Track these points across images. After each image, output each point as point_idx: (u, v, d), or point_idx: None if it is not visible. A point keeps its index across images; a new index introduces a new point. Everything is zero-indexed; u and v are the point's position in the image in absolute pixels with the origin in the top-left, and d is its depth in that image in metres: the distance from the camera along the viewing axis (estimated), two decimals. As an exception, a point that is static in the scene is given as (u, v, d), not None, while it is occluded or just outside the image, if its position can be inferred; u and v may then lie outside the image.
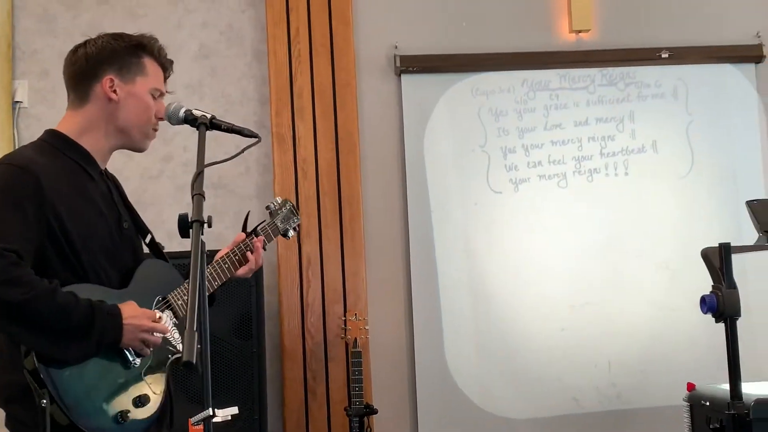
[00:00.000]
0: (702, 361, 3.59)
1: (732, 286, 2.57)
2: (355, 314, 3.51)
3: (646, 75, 3.87)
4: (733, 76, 3.89)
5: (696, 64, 3.87)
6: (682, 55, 3.85)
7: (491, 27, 3.86)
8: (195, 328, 1.52)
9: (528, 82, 3.87)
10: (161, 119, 2.05)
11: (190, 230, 1.62)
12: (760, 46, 3.89)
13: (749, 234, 2.98)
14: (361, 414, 3.38)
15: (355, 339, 3.47)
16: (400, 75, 3.80)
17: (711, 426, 2.64)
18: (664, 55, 3.85)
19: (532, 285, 3.78)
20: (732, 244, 2.63)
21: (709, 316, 2.59)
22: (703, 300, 2.59)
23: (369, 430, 3.43)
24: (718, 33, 3.88)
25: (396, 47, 3.80)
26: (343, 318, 3.54)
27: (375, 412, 3.43)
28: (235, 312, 3.29)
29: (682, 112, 3.88)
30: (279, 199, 2.45)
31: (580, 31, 3.86)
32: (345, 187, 3.71)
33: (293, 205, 2.47)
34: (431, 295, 3.73)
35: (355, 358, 3.40)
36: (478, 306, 3.75)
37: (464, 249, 3.77)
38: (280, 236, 2.42)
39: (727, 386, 2.61)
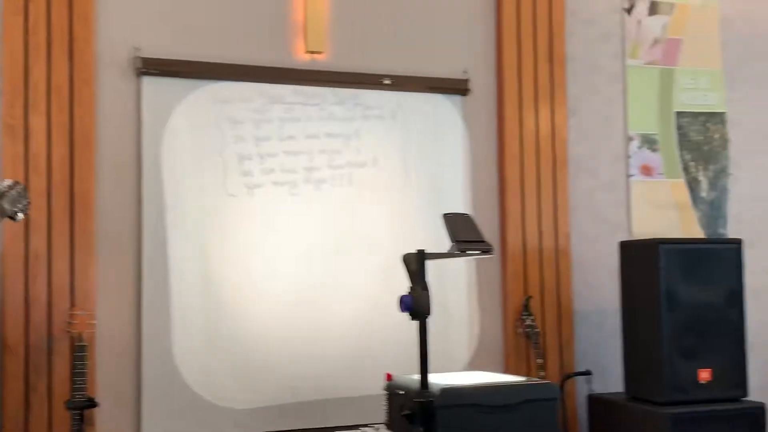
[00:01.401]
0: (406, 354, 3.68)
1: (425, 288, 2.64)
2: (82, 309, 3.27)
3: (371, 98, 3.95)
4: (444, 105, 4.07)
5: (413, 92, 4.00)
6: (402, 83, 3.97)
7: (234, 39, 3.78)
8: None
9: (265, 95, 3.82)
10: None
11: None
12: (466, 81, 4.10)
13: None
14: (82, 407, 3.14)
15: (81, 333, 3.22)
16: (140, 76, 3.61)
17: (402, 413, 2.70)
18: (386, 82, 3.95)
19: (260, 284, 3.73)
20: (429, 251, 2.70)
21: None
22: (401, 300, 2.65)
23: (88, 423, 3.20)
24: (433, 66, 4.05)
25: (138, 48, 3.60)
26: (70, 312, 3.29)
27: (95, 405, 3.20)
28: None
29: (401, 133, 3.99)
30: (9, 181, 2.19)
31: (314, 52, 3.87)
32: (78, 184, 3.46)
33: (24, 188, 2.22)
34: (162, 293, 3.57)
35: (78, 352, 3.17)
36: (209, 303, 3.64)
37: (198, 249, 3.65)
38: (8, 221, 2.16)
39: (419, 377, 2.68)
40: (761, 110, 4.56)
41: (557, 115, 4.21)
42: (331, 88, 3.90)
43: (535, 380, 3.11)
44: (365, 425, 3.36)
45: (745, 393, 3.76)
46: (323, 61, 3.90)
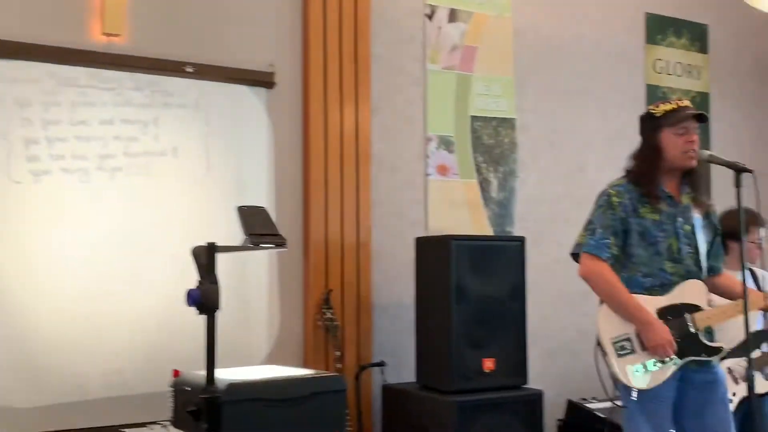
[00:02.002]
0: (202, 350, 3.50)
1: (214, 281, 2.50)
2: None
3: (172, 85, 3.73)
4: (248, 97, 3.92)
5: (216, 82, 3.82)
6: (205, 72, 3.79)
7: (23, 15, 3.43)
8: None
9: (56, 76, 3.51)
10: None
11: None
12: (271, 74, 3.97)
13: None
14: None
15: None
16: None
17: (188, 409, 2.54)
18: (189, 69, 3.74)
19: (48, 276, 3.42)
20: (219, 244, 2.56)
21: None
22: (188, 294, 2.49)
23: None
24: (238, 57, 3.89)
25: None
26: None
27: None
28: None
29: (202, 123, 3.80)
30: None
31: (111, 35, 3.59)
32: None
33: None
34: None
35: None
36: (-12, 296, 3.28)
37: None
38: None
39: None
40: (547, 117, 4.76)
41: (361, 113, 4.18)
42: (129, 73, 3.64)
43: (323, 373, 3.05)
44: (153, 423, 3.16)
45: (525, 381, 3.89)
46: (121, 44, 3.64)
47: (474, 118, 4.52)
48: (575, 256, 3.11)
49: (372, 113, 4.23)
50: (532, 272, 4.26)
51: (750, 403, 2.73)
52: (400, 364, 4.18)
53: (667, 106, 3.04)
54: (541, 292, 4.58)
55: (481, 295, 3.79)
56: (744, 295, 2.78)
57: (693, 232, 3.01)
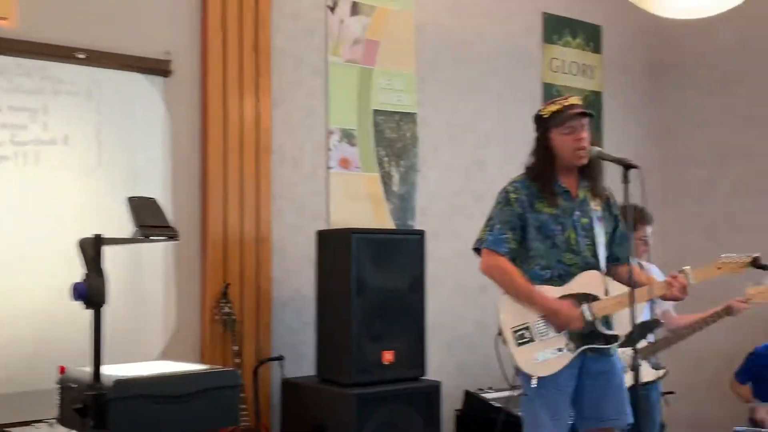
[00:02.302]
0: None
1: (101, 275, 2.41)
2: None
3: (62, 72, 3.58)
4: (143, 86, 3.80)
5: (110, 69, 3.69)
6: (97, 59, 3.65)
7: None
8: None
9: (-61, 60, 3.30)
10: None
11: None
12: (168, 62, 3.86)
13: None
14: None
15: None
16: None
17: (74, 407, 2.44)
18: (81, 56, 3.60)
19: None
20: (107, 236, 2.47)
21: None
22: (74, 287, 2.39)
23: None
24: (132, 44, 3.77)
25: None
26: None
27: None
28: None
29: (94, 112, 3.66)
30: None
31: (-3, 18, 3.42)
32: None
33: None
34: None
35: None
36: None
37: None
38: None
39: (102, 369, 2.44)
40: (447, 112, 4.81)
41: (262, 104, 4.12)
42: (17, 59, 3.47)
43: (217, 368, 2.99)
44: (39, 421, 3.03)
45: (423, 372, 3.91)
46: (9, 28, 3.46)
47: (376, 111, 4.52)
48: (477, 251, 3.17)
49: (273, 105, 4.17)
50: (431, 265, 4.30)
51: (635, 392, 2.81)
52: (301, 358, 4.14)
53: (553, 107, 3.12)
54: (441, 285, 4.63)
55: (382, 288, 3.79)
56: (631, 287, 2.86)
57: (591, 225, 3.09)
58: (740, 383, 4.70)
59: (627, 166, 2.90)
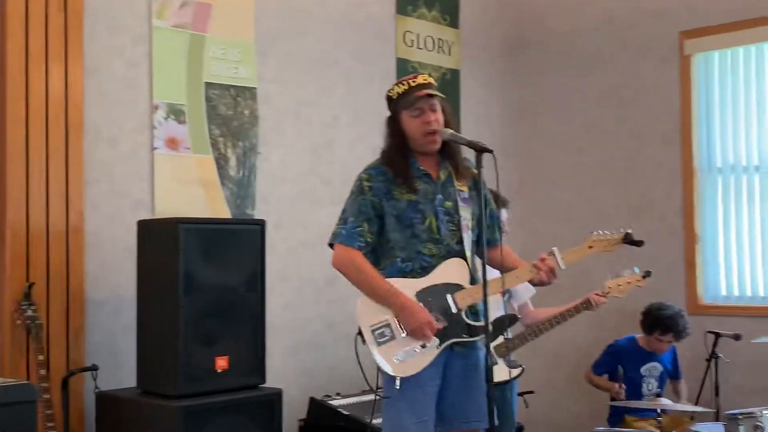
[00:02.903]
0: None
1: None
2: None
3: None
4: None
5: None
6: None
7: None
8: None
9: None
10: None
11: None
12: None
13: None
14: None
15: None
16: None
17: None
18: None
19: None
20: None
21: None
22: None
23: None
24: None
25: None
26: None
27: None
28: None
29: None
30: None
31: None
32: None
33: None
34: None
35: None
36: None
37: None
38: None
39: None
40: (291, 88, 4.69)
41: (72, 74, 3.85)
42: None
43: (8, 381, 2.75)
44: None
45: (263, 380, 3.83)
46: None
47: (209, 85, 4.34)
48: (332, 246, 3.14)
49: (86, 75, 3.92)
50: (273, 259, 4.23)
51: (489, 392, 2.81)
52: (119, 367, 3.93)
53: (400, 88, 3.13)
54: (284, 281, 4.54)
55: (215, 285, 3.68)
56: (483, 282, 2.86)
57: (455, 208, 3.09)
58: (597, 374, 4.87)
59: (479, 150, 2.90)
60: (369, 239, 3.05)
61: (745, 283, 5.10)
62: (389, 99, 3.16)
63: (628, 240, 3.14)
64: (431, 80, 3.15)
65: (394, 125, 3.12)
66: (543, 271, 3.08)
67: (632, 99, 5.50)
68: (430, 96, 3.08)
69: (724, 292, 5.17)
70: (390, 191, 3.07)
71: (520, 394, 4.51)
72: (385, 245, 3.08)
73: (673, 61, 5.31)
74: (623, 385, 4.53)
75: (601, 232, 3.16)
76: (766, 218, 5.02)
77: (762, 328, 4.54)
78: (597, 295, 4.14)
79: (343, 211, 3.13)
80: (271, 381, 3.90)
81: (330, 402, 4.21)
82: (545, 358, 5.55)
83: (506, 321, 3.96)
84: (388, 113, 3.18)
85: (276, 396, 3.78)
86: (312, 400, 4.28)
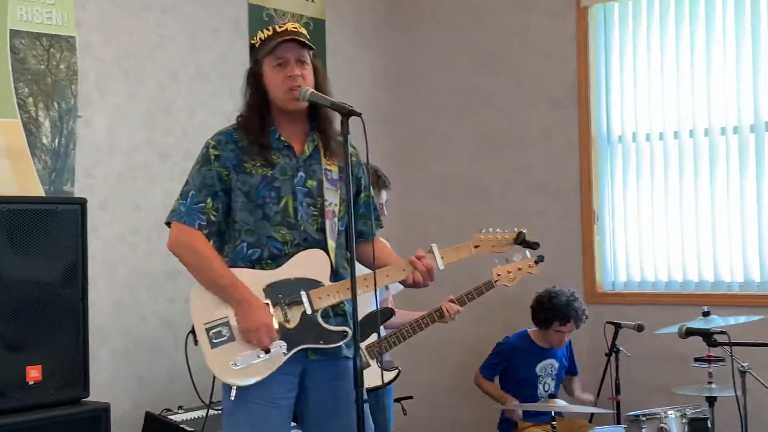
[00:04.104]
0: None
1: None
2: None
3: None
4: None
5: None
6: None
7: None
8: None
9: None
10: None
11: None
12: None
13: None
14: None
15: None
16: None
17: None
18: None
19: None
20: None
21: None
22: None
23: None
24: None
25: None
26: None
27: None
28: None
29: None
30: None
31: None
32: None
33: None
34: None
35: None
36: None
37: None
38: None
39: None
40: (119, 38, 4.55)
41: None
42: None
43: None
44: None
45: (86, 392, 3.80)
46: None
47: (15, 33, 4.16)
48: (169, 225, 3.09)
49: None
50: (99, 247, 4.20)
51: (359, 399, 2.81)
52: None
53: (264, 33, 3.11)
54: (112, 274, 4.46)
55: (23, 280, 3.66)
56: (352, 276, 2.84)
57: (320, 190, 3.07)
58: (487, 379, 4.96)
59: (346, 114, 2.89)
60: (213, 217, 3.01)
61: (646, 268, 5.29)
62: (252, 47, 3.15)
63: (521, 241, 3.21)
64: (303, 31, 3.12)
65: (254, 80, 3.09)
66: (419, 272, 3.09)
67: (521, 58, 5.62)
68: (301, 46, 3.05)
69: (624, 278, 5.36)
70: (241, 163, 3.03)
71: (397, 400, 4.56)
72: (231, 227, 3.05)
73: (568, 14, 5.45)
74: (520, 409, 4.66)
75: (491, 230, 3.22)
76: (670, 194, 5.22)
77: (666, 318, 4.72)
78: (450, 302, 4.18)
79: (185, 184, 3.07)
80: (97, 394, 3.87)
81: (170, 417, 4.16)
82: (426, 358, 5.63)
83: (380, 317, 3.98)
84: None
85: (103, 411, 3.76)
86: (148, 416, 4.21)
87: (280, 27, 3.09)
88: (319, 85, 3.09)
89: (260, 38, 3.08)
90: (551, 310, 4.85)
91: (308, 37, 3.11)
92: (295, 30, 3.08)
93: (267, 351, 2.92)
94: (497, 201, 5.62)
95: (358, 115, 2.87)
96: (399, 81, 5.97)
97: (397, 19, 5.98)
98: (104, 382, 4.15)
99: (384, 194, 4.21)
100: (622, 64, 5.34)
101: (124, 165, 4.56)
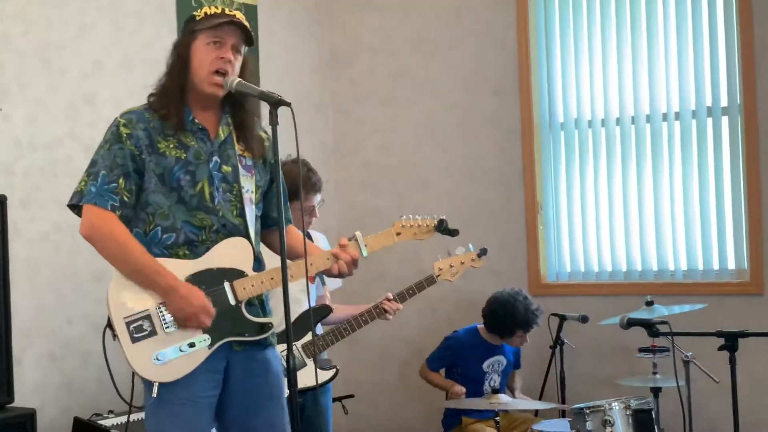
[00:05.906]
0: None
1: None
2: None
3: None
4: None
5: None
6: None
7: None
8: None
9: None
10: None
11: None
12: None
13: None
14: None
15: None
16: None
17: None
18: None
19: None
20: None
21: None
22: None
23: None
24: None
25: None
26: None
27: None
28: None
29: None
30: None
31: None
32: None
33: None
34: None
35: None
36: None
37: None
38: None
39: None
40: (38, 26, 4.52)
41: None
42: None
43: None
44: None
45: (10, 398, 3.80)
46: None
47: (-74, 23, 4.13)
48: (75, 209, 3.05)
49: None
50: (20, 246, 4.18)
51: (293, 399, 2.87)
52: None
53: (212, 10, 3.10)
54: (34, 274, 4.41)
55: None
56: (283, 271, 2.88)
57: (235, 176, 3.10)
58: (432, 370, 5.03)
59: (275, 104, 2.92)
60: (126, 198, 2.99)
61: (591, 257, 5.43)
62: (190, 19, 3.12)
63: (442, 228, 3.28)
64: (249, 28, 3.13)
65: (181, 53, 3.08)
66: (342, 261, 3.14)
67: (460, 43, 5.70)
68: (243, 37, 3.07)
69: (568, 268, 5.49)
70: (154, 143, 3.03)
71: (338, 399, 4.61)
72: (143, 210, 3.04)
73: (507, -3, 5.55)
74: (463, 389, 4.73)
75: (411, 216, 3.27)
76: (613, 181, 5.36)
77: (609, 308, 4.83)
78: (388, 300, 4.19)
79: (92, 164, 3.04)
80: (23, 400, 3.87)
81: (100, 422, 4.16)
82: (368, 355, 5.70)
83: (316, 314, 4.03)
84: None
85: (28, 417, 3.76)
86: (77, 421, 4.21)
87: (229, 10, 3.11)
88: (245, 79, 3.10)
89: (205, 12, 3.08)
90: (513, 321, 4.88)
91: (252, 33, 3.14)
92: (242, 21, 3.10)
93: (192, 345, 2.93)
94: (438, 191, 5.70)
95: (288, 104, 2.88)
96: (333, 68, 6.03)
97: (330, 3, 6.03)
98: (30, 388, 4.14)
99: (318, 196, 4.18)
100: (564, 48, 5.45)
101: (46, 160, 4.53)
